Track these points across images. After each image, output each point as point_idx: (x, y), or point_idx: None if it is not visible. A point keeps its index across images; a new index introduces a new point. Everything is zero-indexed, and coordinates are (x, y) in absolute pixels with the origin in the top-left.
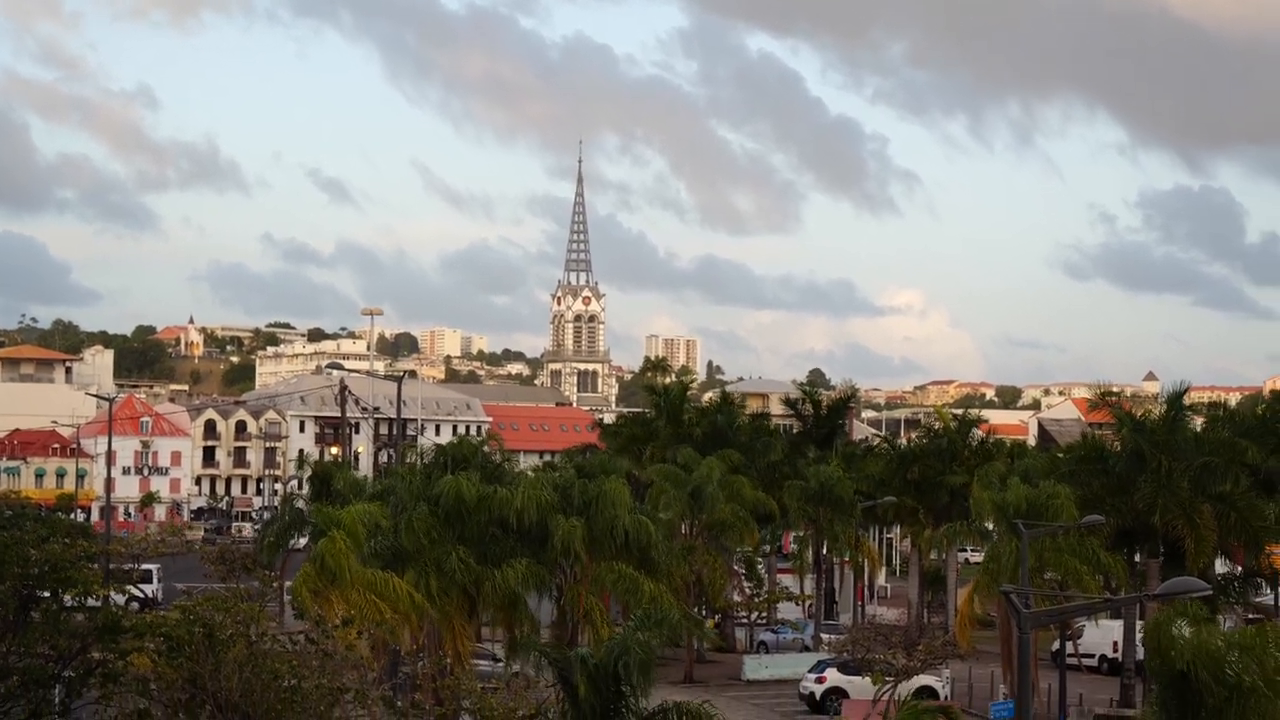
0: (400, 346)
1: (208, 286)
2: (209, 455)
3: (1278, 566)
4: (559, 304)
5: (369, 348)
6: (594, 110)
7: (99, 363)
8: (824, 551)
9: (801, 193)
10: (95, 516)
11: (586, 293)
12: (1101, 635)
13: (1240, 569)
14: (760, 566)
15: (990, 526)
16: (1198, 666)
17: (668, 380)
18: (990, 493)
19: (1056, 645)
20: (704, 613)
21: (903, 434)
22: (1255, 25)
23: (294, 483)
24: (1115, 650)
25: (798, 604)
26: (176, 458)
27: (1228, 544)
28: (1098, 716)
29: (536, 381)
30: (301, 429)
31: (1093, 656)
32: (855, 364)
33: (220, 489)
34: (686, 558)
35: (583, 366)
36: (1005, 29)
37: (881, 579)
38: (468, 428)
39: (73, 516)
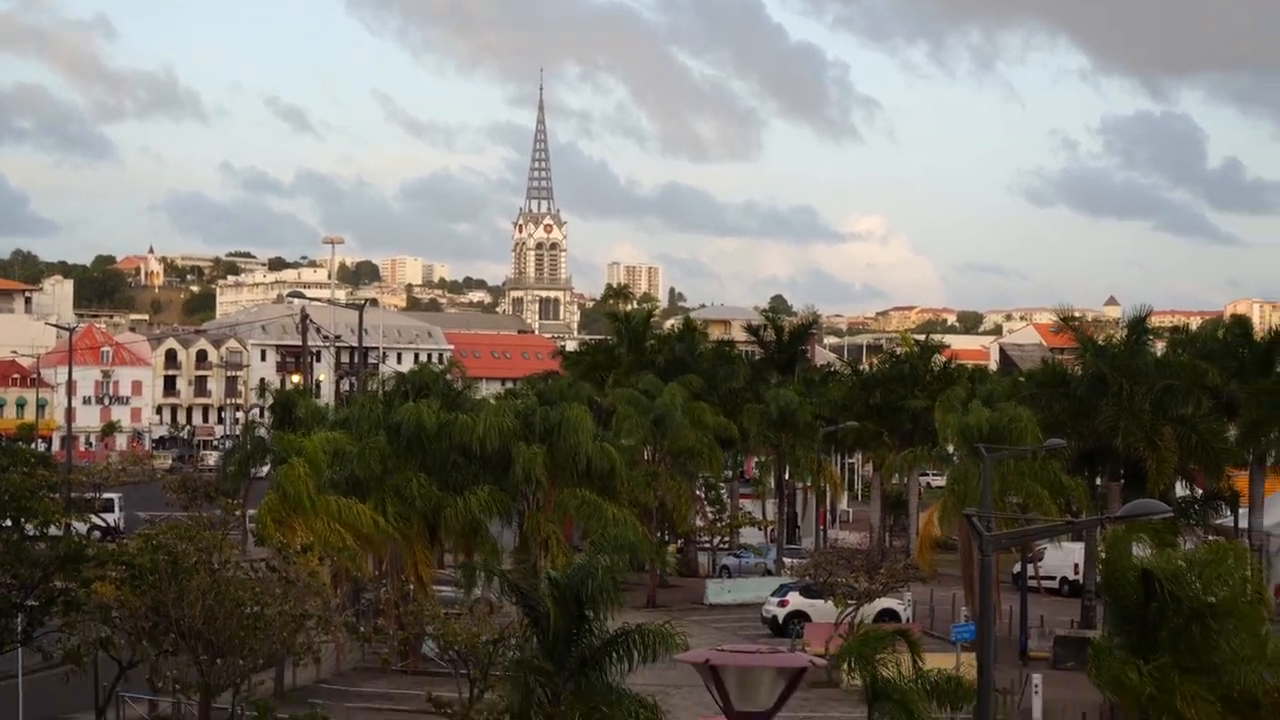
0: (361, 275)
1: (167, 216)
2: (170, 384)
3: (1238, 489)
4: (520, 232)
5: (330, 276)
6: (555, 39)
7: (58, 293)
8: (786, 476)
9: (763, 120)
10: (56, 446)
11: (548, 220)
12: (1062, 558)
13: (1201, 492)
14: (722, 491)
15: (952, 450)
16: (1160, 586)
17: (630, 308)
18: (953, 416)
19: (1018, 568)
20: (667, 538)
21: (865, 359)
22: None
23: (255, 411)
24: (1076, 572)
25: (760, 529)
26: (137, 387)
27: (1188, 467)
28: (1059, 638)
29: (498, 309)
30: (263, 358)
31: (1054, 579)
32: (817, 290)
33: (182, 418)
34: (651, 484)
35: (544, 294)
36: None
37: (843, 503)
38: (429, 355)
39: (33, 446)
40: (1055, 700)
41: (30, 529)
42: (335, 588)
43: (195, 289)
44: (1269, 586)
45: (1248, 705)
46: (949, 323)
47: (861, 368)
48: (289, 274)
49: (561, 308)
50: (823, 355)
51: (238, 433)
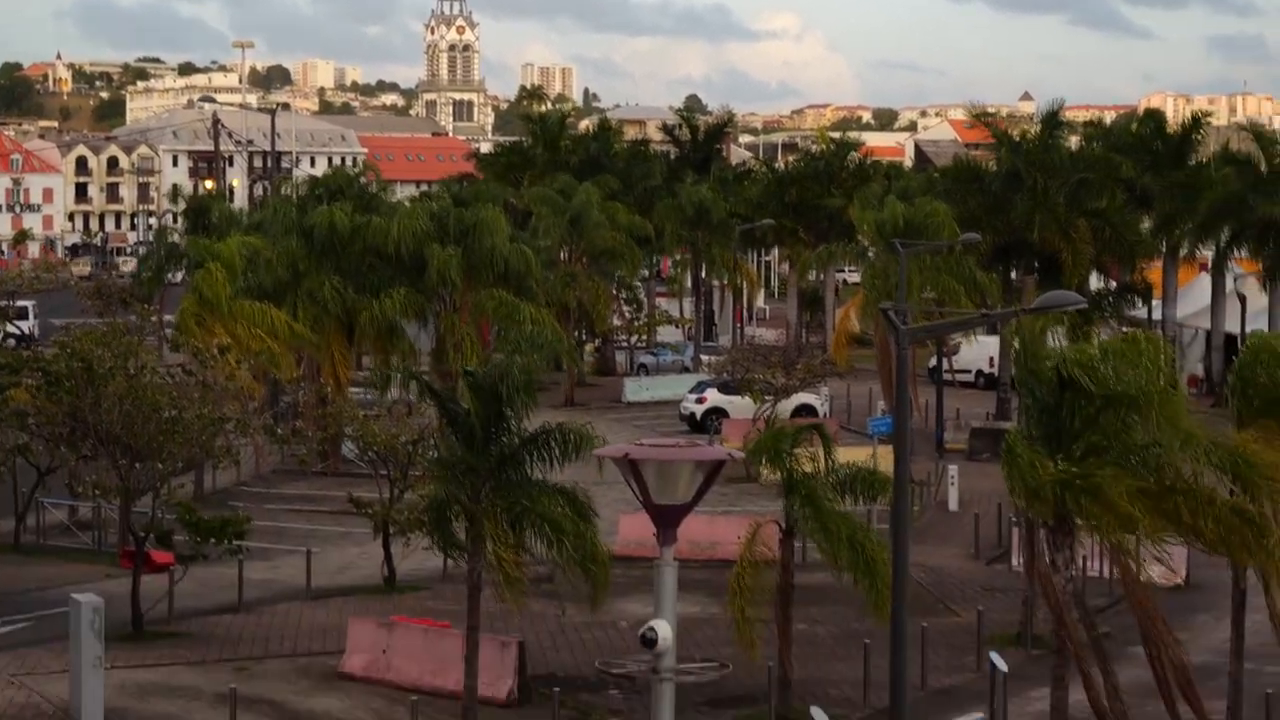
0: (272, 79)
1: (73, 22)
2: (81, 192)
3: (1151, 281)
4: (432, 33)
5: (241, 81)
6: None
7: None
8: (702, 274)
9: None
10: None
11: (460, 21)
12: (978, 351)
13: (1114, 284)
14: (639, 290)
15: (868, 246)
16: (1073, 376)
17: (544, 109)
18: (869, 212)
19: (933, 362)
20: (585, 337)
21: (780, 158)
22: None
23: (169, 217)
24: (991, 365)
25: (677, 327)
26: (49, 194)
27: (1102, 259)
28: (974, 430)
29: (411, 112)
30: (175, 164)
31: (969, 372)
32: (732, 89)
33: (94, 225)
34: (568, 284)
35: (458, 96)
36: None
37: (760, 301)
38: (343, 159)
39: None
40: (971, 491)
41: None
42: (256, 388)
43: (105, 95)
44: (1182, 376)
45: (1163, 492)
46: (864, 120)
47: (777, 166)
48: (199, 79)
49: (475, 110)
50: (738, 154)
51: (151, 239)
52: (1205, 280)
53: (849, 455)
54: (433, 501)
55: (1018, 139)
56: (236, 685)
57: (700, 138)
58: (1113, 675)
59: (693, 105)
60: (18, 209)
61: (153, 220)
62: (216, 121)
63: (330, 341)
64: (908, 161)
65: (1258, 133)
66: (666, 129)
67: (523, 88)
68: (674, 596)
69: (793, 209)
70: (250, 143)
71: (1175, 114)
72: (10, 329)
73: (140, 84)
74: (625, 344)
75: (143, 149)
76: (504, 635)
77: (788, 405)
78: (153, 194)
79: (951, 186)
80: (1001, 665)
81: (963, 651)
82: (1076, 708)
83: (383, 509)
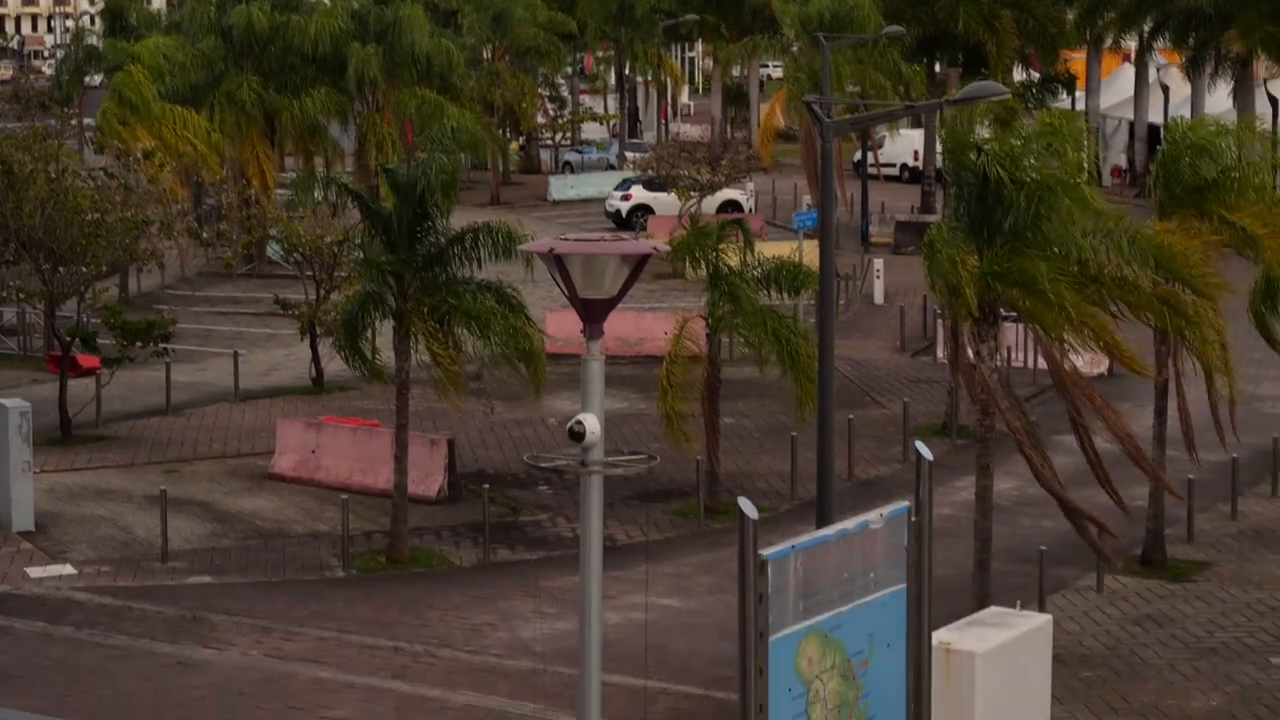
0: None
1: None
2: None
3: (1074, 72)
4: None
5: None
6: None
7: None
8: (626, 71)
9: None
10: None
11: None
12: (902, 145)
13: (1038, 76)
14: (562, 88)
15: (792, 40)
16: (995, 164)
17: None
18: (792, 5)
19: (858, 156)
20: (509, 135)
21: None
22: None
23: (85, 19)
24: (916, 159)
25: (602, 124)
26: None
27: (1027, 51)
28: (899, 223)
29: None
30: None
31: (894, 166)
32: None
33: (10, 29)
34: (493, 83)
35: None
36: None
37: (684, 97)
38: None
39: None
40: (896, 284)
41: None
42: (180, 190)
43: None
44: (1106, 167)
45: (1089, 280)
46: None
47: None
48: None
49: None
50: None
51: (68, 42)
52: (1128, 71)
53: (775, 250)
54: (355, 300)
55: None
56: (166, 487)
57: None
58: (1049, 461)
59: None
60: None
61: (70, 22)
62: None
63: (253, 143)
64: None
65: None
66: None
67: None
68: (601, 391)
69: (716, 4)
70: None
71: None
72: None
73: None
74: (550, 142)
75: None
76: (433, 433)
77: (713, 201)
78: None
79: None
80: (927, 455)
81: (888, 443)
82: (1000, 495)
83: (309, 310)
